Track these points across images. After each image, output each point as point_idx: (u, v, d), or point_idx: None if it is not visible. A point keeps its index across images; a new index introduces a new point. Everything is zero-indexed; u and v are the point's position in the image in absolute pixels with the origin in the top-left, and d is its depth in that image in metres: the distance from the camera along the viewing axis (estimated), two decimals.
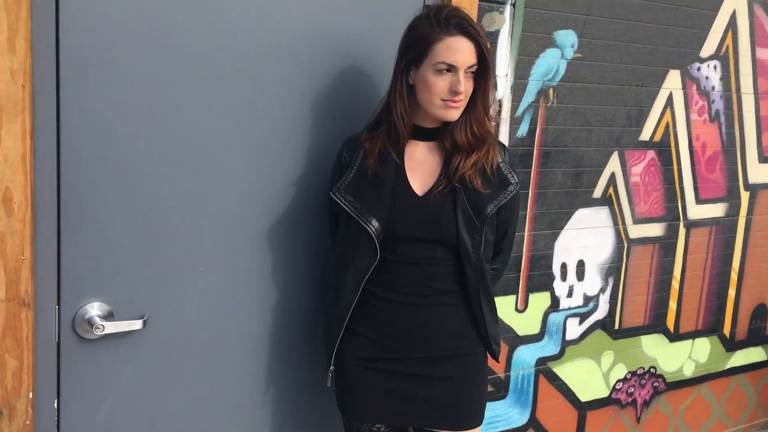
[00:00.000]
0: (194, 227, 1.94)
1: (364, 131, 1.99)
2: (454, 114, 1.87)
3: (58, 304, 1.80)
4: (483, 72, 1.86)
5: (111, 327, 1.82)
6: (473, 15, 2.22)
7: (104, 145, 1.79)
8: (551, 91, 2.66)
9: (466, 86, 1.83)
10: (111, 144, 1.80)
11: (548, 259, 2.84)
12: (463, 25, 1.81)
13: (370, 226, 1.87)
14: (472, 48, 1.82)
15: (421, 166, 1.93)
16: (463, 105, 1.87)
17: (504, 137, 2.48)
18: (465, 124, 1.89)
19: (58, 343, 1.82)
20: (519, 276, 2.78)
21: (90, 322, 1.81)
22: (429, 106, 1.86)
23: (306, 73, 2.02)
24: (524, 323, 2.85)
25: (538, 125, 2.64)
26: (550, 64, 2.62)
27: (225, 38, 1.89)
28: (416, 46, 1.83)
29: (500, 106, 2.41)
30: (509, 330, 2.80)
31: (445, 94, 1.83)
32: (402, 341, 1.94)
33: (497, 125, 2.45)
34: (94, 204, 1.80)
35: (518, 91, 2.52)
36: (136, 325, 1.85)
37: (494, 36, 2.35)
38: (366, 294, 1.93)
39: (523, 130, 2.60)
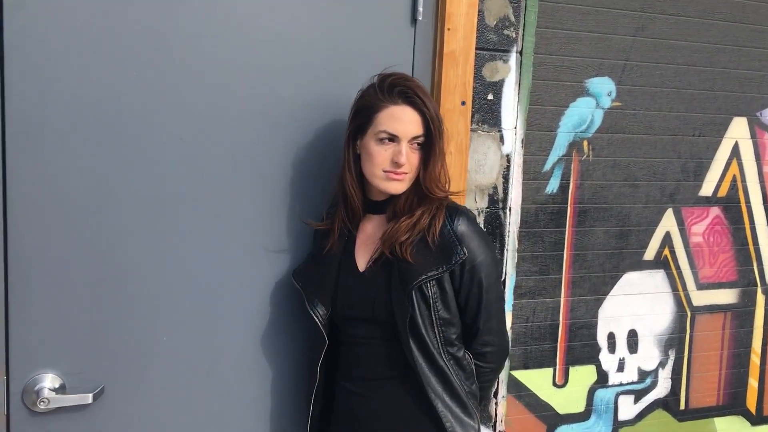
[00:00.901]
0: (153, 293, 1.85)
1: (328, 206, 1.90)
2: (396, 186, 1.73)
3: (6, 375, 1.74)
4: (429, 143, 1.72)
5: (57, 401, 1.75)
6: (468, 65, 2.04)
7: (52, 209, 1.74)
8: (585, 143, 2.40)
9: (410, 158, 1.71)
10: (59, 208, 1.75)
11: (591, 328, 2.54)
12: (407, 94, 1.69)
13: (315, 311, 1.80)
14: (418, 118, 1.70)
15: (370, 240, 1.79)
16: (408, 177, 1.74)
17: (516, 196, 2.25)
18: (411, 194, 1.75)
19: (8, 416, 1.76)
20: (556, 347, 2.50)
21: (37, 395, 1.74)
22: (372, 177, 1.74)
23: (274, 133, 1.91)
24: (565, 400, 2.55)
25: (572, 180, 2.38)
26: (583, 114, 2.37)
27: (180, 98, 1.82)
28: (360, 114, 1.74)
29: (508, 161, 2.19)
30: (546, 407, 2.51)
31: (386, 165, 1.71)
32: (347, 429, 1.80)
33: (494, 188, 2.22)
34: (44, 270, 1.75)
35: (541, 144, 2.29)
36: (86, 399, 1.76)
37: (498, 87, 2.14)
38: (334, 379, 1.86)
39: (553, 186, 2.36)
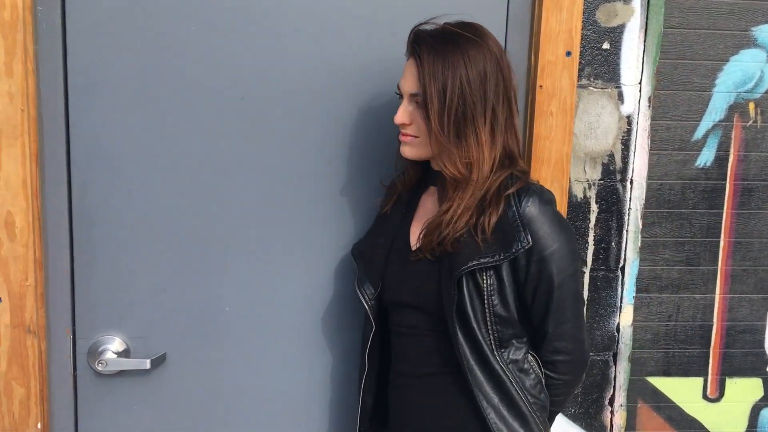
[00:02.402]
0: (216, 261, 1.76)
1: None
2: (405, 150, 1.52)
3: (73, 334, 1.75)
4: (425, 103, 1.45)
5: (115, 363, 1.71)
6: (575, 7, 1.71)
7: (116, 169, 1.70)
8: (752, 106, 1.95)
9: (404, 116, 1.48)
10: (124, 168, 1.70)
11: (757, 333, 2.09)
12: (412, 43, 1.47)
13: (363, 290, 1.60)
14: (414, 71, 1.45)
15: (428, 215, 1.54)
16: (418, 141, 1.49)
17: (641, 167, 1.87)
18: (442, 166, 1.47)
19: (75, 376, 1.76)
20: (708, 353, 2.08)
21: (98, 357, 1.72)
22: None
23: (342, 96, 1.74)
24: (719, 417, 2.12)
25: (732, 152, 1.95)
26: (749, 69, 1.93)
27: (244, 58, 1.70)
28: None
29: (629, 124, 1.82)
30: (693, 423, 2.11)
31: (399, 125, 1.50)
32: (395, 426, 1.57)
33: (609, 156, 1.84)
34: (108, 232, 1.72)
35: (689, 106, 1.89)
36: (144, 364, 1.71)
37: (616, 34, 1.78)
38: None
39: (706, 157, 1.94)
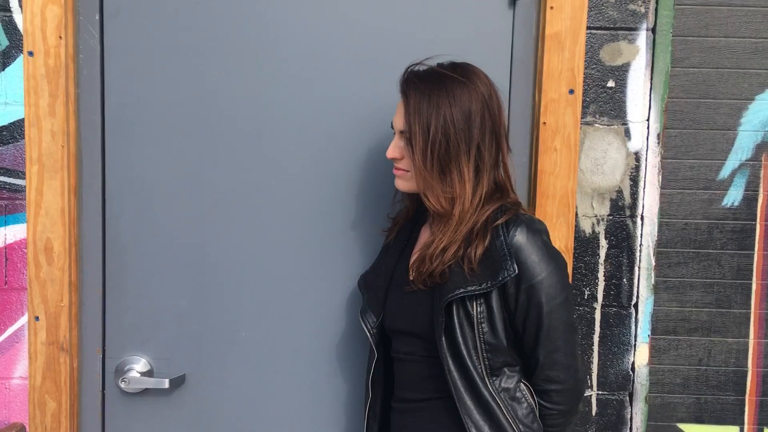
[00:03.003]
0: (236, 287, 1.87)
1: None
2: (398, 183, 1.60)
3: (103, 353, 1.88)
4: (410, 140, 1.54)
5: (136, 381, 1.83)
6: (577, 47, 1.75)
7: (146, 202, 1.85)
8: None
9: (394, 151, 1.57)
10: (153, 201, 1.85)
11: None
12: (403, 82, 1.55)
13: (365, 319, 1.66)
14: (403, 109, 1.53)
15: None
16: (409, 176, 1.56)
17: (651, 203, 1.85)
18: (426, 200, 1.54)
19: (103, 393, 1.89)
20: (743, 400, 2.01)
21: (123, 375, 1.84)
22: None
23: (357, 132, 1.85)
24: None
25: (762, 191, 1.92)
26: None
27: (262, 98, 1.84)
28: None
29: (637, 160, 1.82)
30: None
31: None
32: None
33: (618, 192, 1.83)
34: (138, 260, 1.86)
35: (713, 145, 1.88)
36: (163, 383, 1.82)
37: (621, 72, 1.80)
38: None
39: (734, 197, 1.92)
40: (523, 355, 1.53)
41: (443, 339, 1.46)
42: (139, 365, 1.87)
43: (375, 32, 1.82)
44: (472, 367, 1.46)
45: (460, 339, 1.45)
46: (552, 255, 1.49)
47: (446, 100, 1.48)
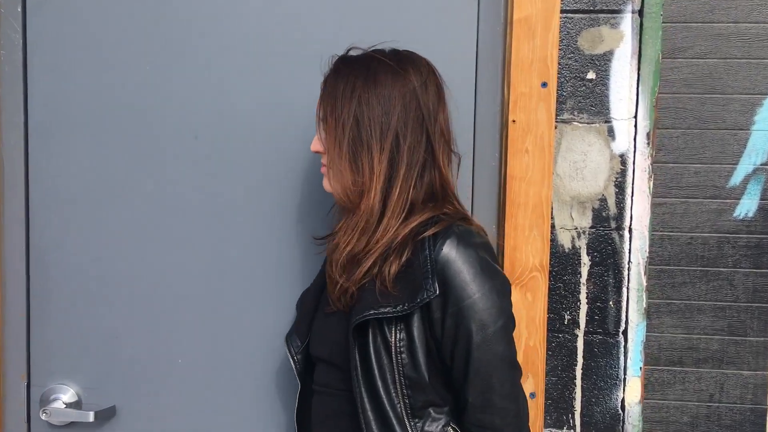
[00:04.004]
0: (172, 309, 1.67)
1: None
2: (325, 184, 1.37)
3: (28, 381, 1.70)
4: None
5: (58, 414, 1.64)
6: (550, 34, 1.52)
7: (74, 212, 1.67)
8: None
9: (316, 143, 1.37)
10: (78, 211, 1.67)
11: None
12: (331, 66, 1.38)
13: (290, 344, 1.47)
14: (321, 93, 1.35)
15: None
16: (330, 174, 1.34)
17: (641, 213, 1.59)
18: (334, 187, 1.35)
19: (28, 424, 1.71)
20: None
21: (46, 406, 1.66)
22: None
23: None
24: None
25: None
26: None
27: (197, 97, 1.65)
28: None
29: (623, 164, 1.57)
30: None
31: None
32: None
33: (601, 201, 1.57)
34: (65, 276, 1.68)
35: (723, 147, 1.63)
36: (87, 417, 1.63)
37: (602, 61, 1.56)
38: None
39: (748, 206, 1.65)
40: (454, 392, 1.29)
41: (358, 369, 1.23)
42: (66, 395, 1.68)
43: (320, 18, 1.62)
44: (389, 406, 1.22)
45: (376, 371, 1.22)
46: (489, 273, 1.24)
47: (365, 84, 1.29)
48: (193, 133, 1.65)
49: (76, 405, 1.69)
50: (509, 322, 1.26)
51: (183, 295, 1.67)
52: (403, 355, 1.22)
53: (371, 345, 1.23)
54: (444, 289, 1.20)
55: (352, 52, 1.38)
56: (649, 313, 1.64)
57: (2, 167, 1.67)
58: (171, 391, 1.68)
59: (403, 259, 1.23)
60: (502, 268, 1.57)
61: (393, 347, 1.22)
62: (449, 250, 1.21)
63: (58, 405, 1.66)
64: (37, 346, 1.70)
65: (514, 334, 1.31)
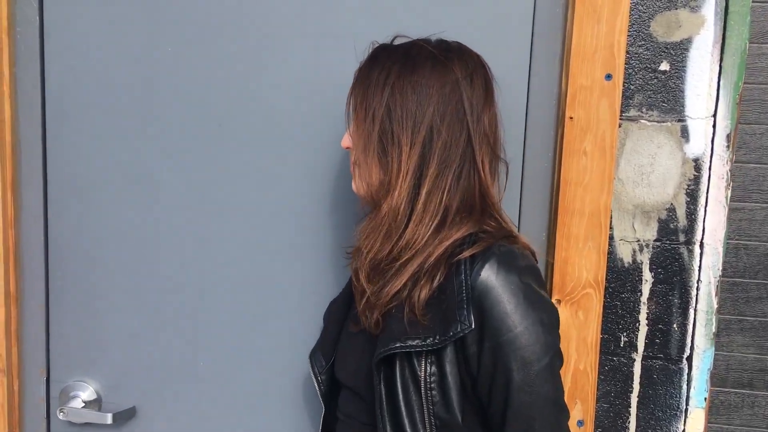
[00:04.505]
0: (196, 308, 1.56)
1: None
2: (353, 185, 1.21)
3: (48, 376, 1.63)
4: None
5: (75, 415, 1.57)
6: (619, 17, 1.31)
7: (92, 202, 1.57)
8: None
9: (346, 139, 1.22)
10: (98, 201, 1.57)
11: None
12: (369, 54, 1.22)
13: (314, 363, 1.34)
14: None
15: None
16: (356, 173, 1.19)
17: (716, 225, 1.38)
18: (356, 182, 1.21)
19: (48, 420, 1.64)
20: None
21: (64, 404, 1.59)
22: None
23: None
24: None
25: None
26: None
27: (221, 85, 1.50)
28: None
29: (697, 170, 1.37)
30: None
31: None
32: None
33: (669, 210, 1.36)
34: (83, 269, 1.59)
35: None
36: (105, 418, 1.55)
37: (679, 50, 1.34)
38: None
39: None
40: None
41: (383, 405, 1.09)
42: (85, 393, 1.60)
43: (357, 3, 1.45)
44: None
45: (403, 408, 1.07)
46: (533, 303, 1.07)
47: (401, 70, 1.13)
48: (218, 120, 1.51)
49: (95, 403, 1.61)
50: (556, 359, 1.09)
51: (206, 294, 1.56)
52: (434, 392, 1.07)
53: (398, 378, 1.08)
54: (481, 321, 1.04)
55: (397, 42, 1.22)
56: (719, 330, 1.45)
57: (20, 152, 1.58)
58: (191, 394, 1.58)
59: (435, 283, 1.08)
60: (551, 282, 1.40)
61: (422, 383, 1.07)
62: (488, 276, 1.05)
63: (77, 404, 1.59)
64: (57, 341, 1.62)
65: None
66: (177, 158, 1.54)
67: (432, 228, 1.10)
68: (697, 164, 1.38)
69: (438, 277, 1.07)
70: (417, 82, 1.11)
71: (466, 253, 1.07)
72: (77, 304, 1.61)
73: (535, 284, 1.09)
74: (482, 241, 1.09)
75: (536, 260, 1.16)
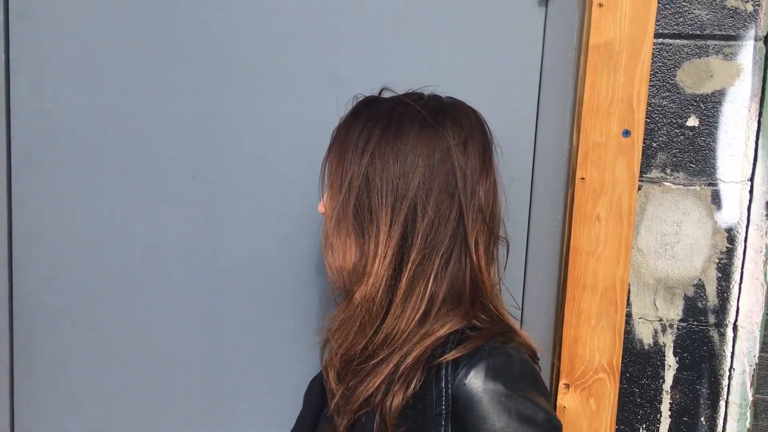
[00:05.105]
0: (176, 367, 1.43)
1: None
2: (325, 261, 1.04)
3: None
4: None
5: None
6: (640, 65, 1.13)
7: (60, 254, 1.44)
8: None
9: (322, 207, 1.07)
10: (68, 255, 1.44)
11: None
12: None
13: None
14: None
15: None
16: (328, 251, 1.02)
17: (752, 306, 1.19)
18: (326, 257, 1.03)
19: None
20: None
21: None
22: None
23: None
24: None
25: None
26: None
27: (197, 131, 1.36)
28: None
29: (731, 241, 1.18)
30: None
31: None
32: None
33: (697, 287, 1.16)
34: (51, 325, 1.46)
35: None
36: None
37: (711, 103, 1.16)
38: None
39: None
40: None
41: None
42: None
43: (345, 47, 1.29)
44: None
45: None
46: (530, 421, 0.88)
47: (383, 133, 0.97)
48: (191, 171, 1.37)
49: None
50: None
51: (184, 353, 1.42)
52: None
53: None
54: None
55: (385, 95, 1.06)
56: (756, 413, 1.25)
57: None
58: None
59: (410, 390, 0.91)
60: (558, 364, 1.22)
61: None
62: (474, 385, 0.88)
63: None
64: (21, 403, 1.50)
65: None
66: (150, 212, 1.40)
67: (414, 321, 0.94)
68: (730, 235, 1.19)
69: (413, 383, 0.90)
70: (401, 150, 0.95)
71: (449, 356, 0.90)
72: (44, 362, 1.48)
73: (533, 395, 0.91)
74: (470, 340, 0.92)
75: (537, 361, 0.99)
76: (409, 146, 0.95)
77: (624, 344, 1.22)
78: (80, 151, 1.41)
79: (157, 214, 1.40)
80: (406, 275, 0.94)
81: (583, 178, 1.19)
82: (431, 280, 0.95)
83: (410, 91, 1.05)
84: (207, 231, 1.39)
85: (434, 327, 0.93)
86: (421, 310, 0.95)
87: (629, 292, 1.21)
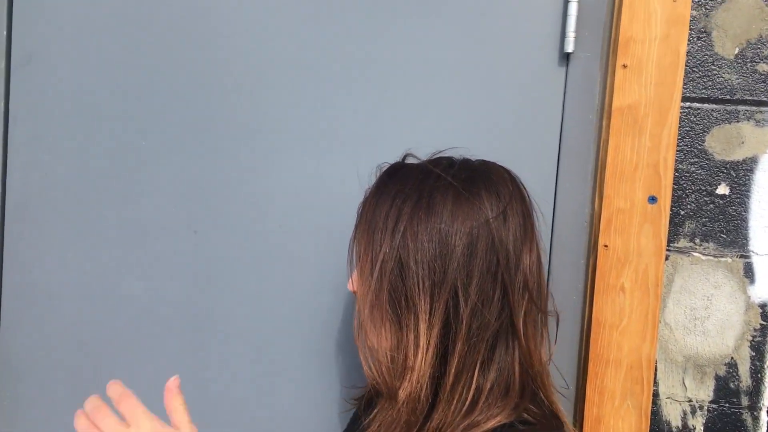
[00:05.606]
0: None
1: None
2: (359, 351, 0.97)
3: None
4: None
5: None
6: (667, 130, 1.08)
7: (48, 311, 1.37)
8: None
9: (351, 285, 0.99)
10: (57, 311, 1.37)
11: None
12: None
13: None
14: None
15: None
16: (360, 340, 0.95)
17: None
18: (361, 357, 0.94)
19: None
20: None
21: None
22: None
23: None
24: None
25: None
26: None
27: (199, 189, 1.31)
28: None
29: (765, 318, 1.10)
30: None
31: None
32: None
33: (729, 366, 1.08)
34: (36, 383, 1.38)
35: None
36: None
37: (743, 170, 1.10)
38: None
39: None
40: None
41: None
42: None
43: (358, 108, 1.25)
44: None
45: None
46: None
47: (413, 211, 0.89)
48: (192, 228, 1.31)
49: None
50: None
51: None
52: None
53: None
54: None
55: (409, 161, 0.99)
56: None
57: None
58: None
59: None
60: None
61: None
62: None
63: None
64: None
65: None
66: (147, 269, 1.34)
67: (460, 414, 0.85)
68: (764, 311, 1.11)
69: None
70: (435, 228, 0.87)
71: None
72: (28, 418, 1.40)
73: None
74: None
75: None
76: (443, 224, 0.87)
77: (651, 426, 1.13)
78: (76, 206, 1.36)
79: (154, 272, 1.33)
80: (453, 368, 0.86)
81: (606, 246, 1.12)
82: (476, 371, 0.87)
83: (436, 154, 0.99)
84: (206, 289, 1.32)
85: (479, 418, 0.85)
86: (467, 403, 0.86)
87: (656, 370, 1.13)
